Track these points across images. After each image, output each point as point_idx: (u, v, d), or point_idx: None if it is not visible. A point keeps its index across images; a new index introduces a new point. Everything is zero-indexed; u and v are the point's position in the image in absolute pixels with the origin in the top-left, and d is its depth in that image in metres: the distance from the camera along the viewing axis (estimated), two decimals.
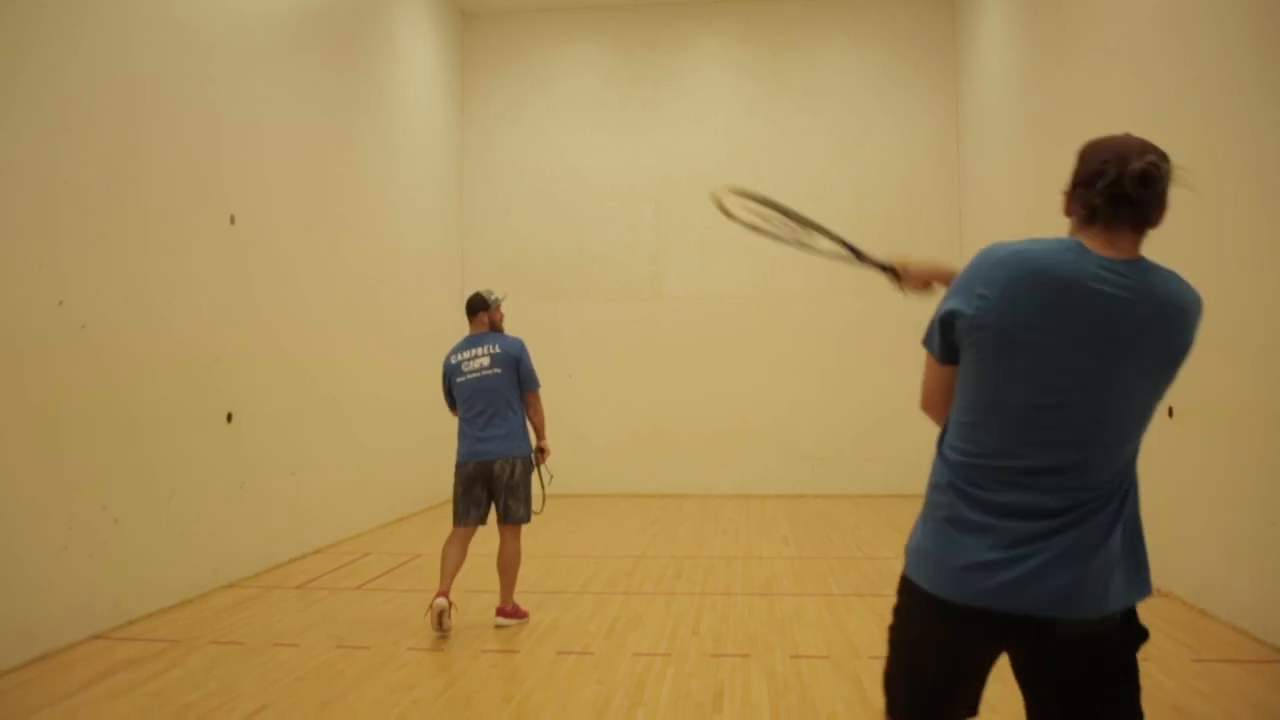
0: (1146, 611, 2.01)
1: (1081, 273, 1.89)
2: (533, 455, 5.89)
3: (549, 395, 5.83)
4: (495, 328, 6.03)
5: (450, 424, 6.05)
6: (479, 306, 6.00)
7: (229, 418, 6.95)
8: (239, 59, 7.28)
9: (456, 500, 5.78)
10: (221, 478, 6.88)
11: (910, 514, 10.16)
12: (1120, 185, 1.92)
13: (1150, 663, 4.88)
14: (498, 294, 6.15)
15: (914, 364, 10.94)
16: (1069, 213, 2.04)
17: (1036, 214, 9.17)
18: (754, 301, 12.43)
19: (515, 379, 5.86)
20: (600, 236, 12.62)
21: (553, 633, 5.59)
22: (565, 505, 10.20)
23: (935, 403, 2.17)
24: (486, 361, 5.81)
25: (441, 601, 5.51)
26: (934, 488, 2.11)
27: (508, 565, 5.76)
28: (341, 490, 8.87)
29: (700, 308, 12.43)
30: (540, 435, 6.03)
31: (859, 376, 12.14)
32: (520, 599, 6.20)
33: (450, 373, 5.90)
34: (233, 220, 7.04)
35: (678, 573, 7.36)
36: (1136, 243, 1.96)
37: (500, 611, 5.79)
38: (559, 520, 9.74)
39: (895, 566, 7.52)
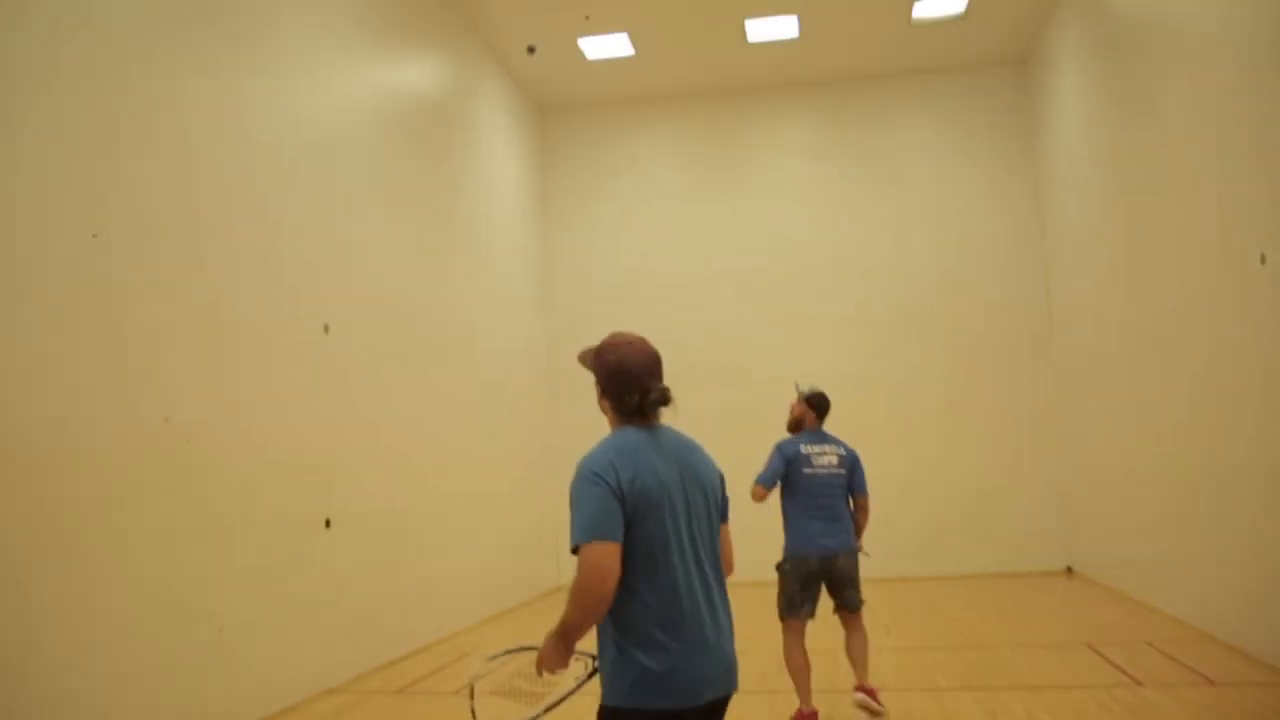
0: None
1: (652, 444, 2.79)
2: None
3: None
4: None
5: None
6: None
7: (327, 524, 7.08)
8: (326, 169, 7.57)
9: (794, 594, 5.84)
10: (322, 582, 6.98)
11: (1017, 593, 9.68)
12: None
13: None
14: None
15: (1014, 440, 10.55)
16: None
17: (1124, 265, 8.99)
18: (845, 383, 12.26)
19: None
20: (684, 322, 12.61)
21: None
22: None
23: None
24: (834, 460, 6.00)
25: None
26: None
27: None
28: (440, 589, 8.90)
29: (789, 390, 12.28)
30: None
31: (959, 456, 11.84)
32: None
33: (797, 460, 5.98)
34: (327, 329, 7.27)
35: (778, 669, 7.14)
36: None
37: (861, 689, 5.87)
38: None
39: (1005, 655, 7.22)
